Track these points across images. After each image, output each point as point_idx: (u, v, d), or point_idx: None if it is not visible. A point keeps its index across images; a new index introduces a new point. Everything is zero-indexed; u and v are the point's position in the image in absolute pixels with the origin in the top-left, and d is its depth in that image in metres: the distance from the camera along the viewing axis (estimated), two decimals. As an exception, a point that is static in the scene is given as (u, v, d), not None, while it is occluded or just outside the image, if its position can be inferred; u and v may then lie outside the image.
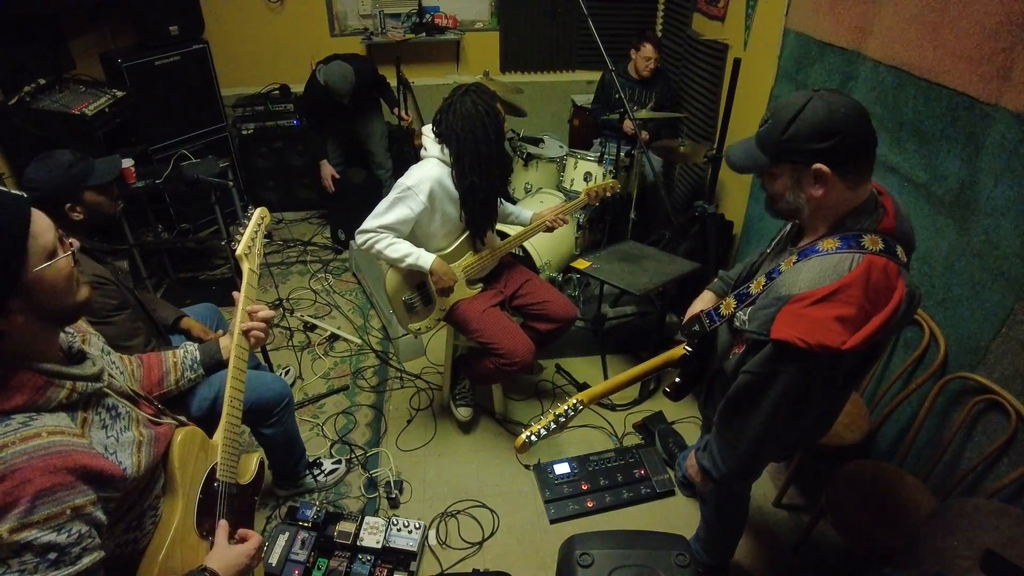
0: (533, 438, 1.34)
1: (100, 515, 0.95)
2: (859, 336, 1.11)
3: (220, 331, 2.18)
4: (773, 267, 1.29)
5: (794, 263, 1.21)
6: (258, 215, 1.49)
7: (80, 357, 1.06)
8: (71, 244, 0.99)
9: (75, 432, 0.95)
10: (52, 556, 0.88)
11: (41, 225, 0.92)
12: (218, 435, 1.28)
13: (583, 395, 1.38)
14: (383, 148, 3.87)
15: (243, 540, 1.21)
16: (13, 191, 0.94)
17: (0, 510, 0.84)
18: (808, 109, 1.11)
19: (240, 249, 1.42)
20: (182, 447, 1.17)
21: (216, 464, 1.25)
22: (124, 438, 1.05)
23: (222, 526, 1.19)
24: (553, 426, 1.35)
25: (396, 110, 3.84)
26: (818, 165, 1.12)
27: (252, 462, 1.39)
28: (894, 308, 1.12)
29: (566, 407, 1.35)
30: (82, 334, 1.13)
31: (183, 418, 1.27)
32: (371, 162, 3.89)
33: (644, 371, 1.52)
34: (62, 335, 1.05)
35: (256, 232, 1.47)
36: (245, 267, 1.41)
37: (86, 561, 0.91)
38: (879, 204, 1.20)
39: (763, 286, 1.28)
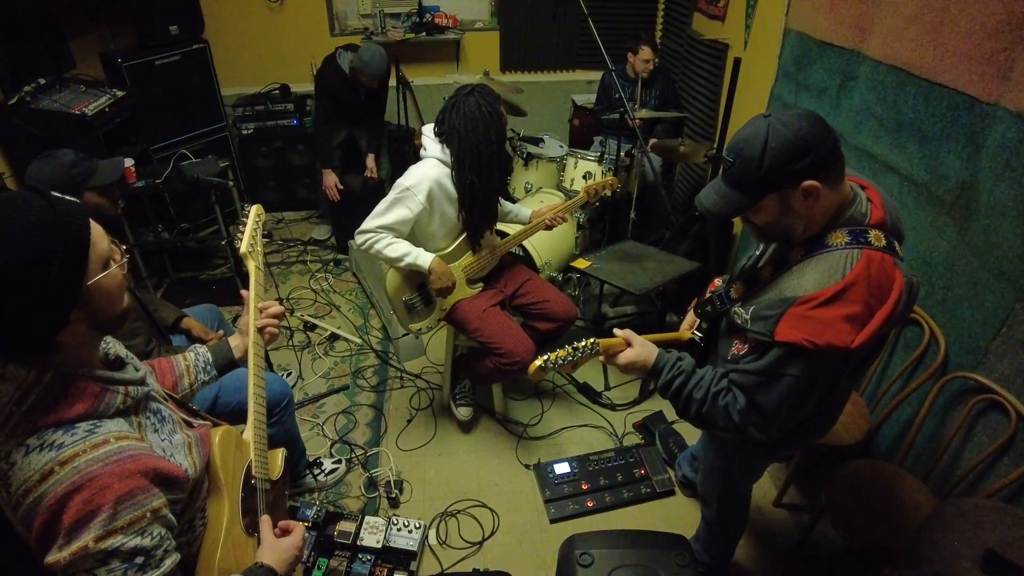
0: (549, 364, 1.33)
1: (172, 517, 0.96)
2: (866, 332, 1.11)
3: (221, 331, 2.18)
4: (781, 257, 1.28)
5: (802, 256, 1.22)
6: (255, 212, 1.49)
7: (119, 363, 1.05)
8: (124, 250, 1.00)
9: (136, 436, 0.95)
10: (139, 560, 0.88)
11: (97, 232, 0.93)
12: (248, 433, 1.28)
13: (601, 340, 1.37)
14: (383, 148, 3.86)
15: (285, 532, 1.21)
16: (68, 197, 0.93)
17: (82, 520, 0.84)
18: (772, 136, 1.11)
19: (243, 247, 1.41)
20: (221, 447, 1.17)
21: (251, 461, 1.25)
22: (175, 440, 1.06)
23: (265, 521, 1.19)
24: (569, 358, 1.34)
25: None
26: (807, 183, 1.12)
27: (278, 458, 1.40)
28: (895, 301, 1.13)
29: (584, 344, 1.35)
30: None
31: (213, 418, 1.27)
32: (367, 162, 3.86)
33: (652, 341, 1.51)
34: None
35: (256, 229, 1.47)
36: (251, 265, 1.41)
37: (169, 563, 0.92)
38: (862, 196, 1.21)
39: (771, 273, 1.28)
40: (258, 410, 1.30)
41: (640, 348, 1.35)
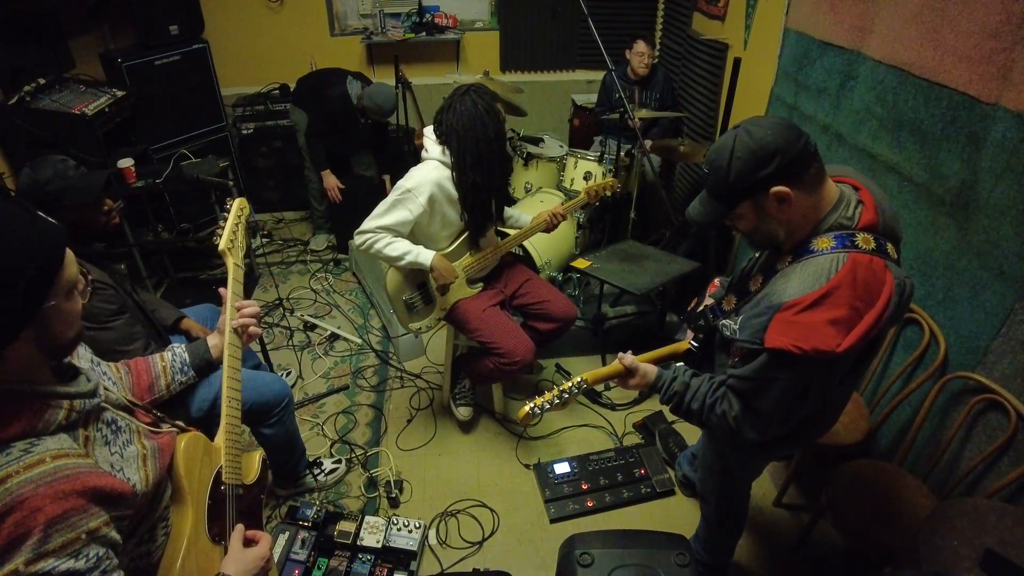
0: (536, 410, 1.39)
1: (115, 535, 0.93)
2: (853, 336, 1.12)
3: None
4: (769, 265, 1.30)
5: (789, 262, 1.23)
6: (236, 207, 1.45)
7: (72, 373, 1.03)
8: (90, 280, 0.98)
9: (79, 453, 0.93)
10: None
11: (70, 258, 0.93)
12: (219, 437, 1.26)
13: (587, 375, 1.43)
14: (368, 152, 3.85)
15: (253, 542, 1.20)
16: (50, 219, 0.93)
17: (13, 542, 0.83)
18: (738, 147, 1.16)
19: (223, 243, 1.38)
20: (186, 454, 1.15)
21: (221, 467, 1.23)
22: (128, 453, 1.04)
23: (237, 530, 1.18)
24: (556, 401, 1.39)
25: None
26: (775, 189, 1.15)
27: (255, 461, 1.37)
28: (884, 303, 1.14)
29: (570, 384, 1.41)
30: None
31: (182, 423, 1.25)
32: (355, 164, 3.84)
33: (649, 359, 1.53)
34: None
35: (237, 225, 1.43)
36: (229, 262, 1.38)
37: None
38: (851, 198, 1.21)
39: (760, 284, 1.30)
40: (231, 414, 1.28)
41: (640, 378, 1.44)
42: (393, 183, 3.72)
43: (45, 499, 0.84)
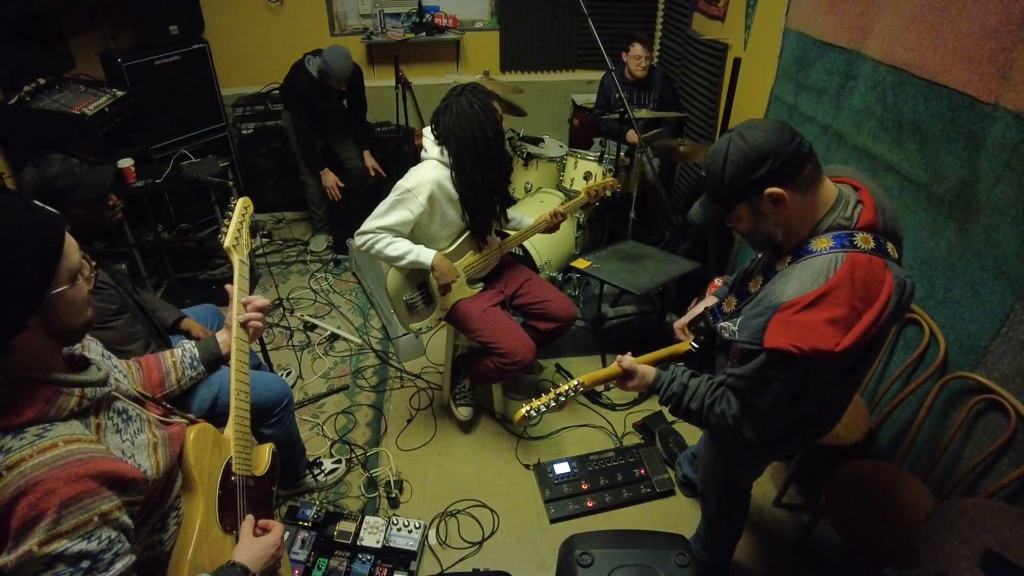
0: (533, 413, 1.40)
1: (127, 519, 0.95)
2: (852, 335, 1.12)
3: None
4: (769, 266, 1.31)
5: (788, 263, 1.24)
6: (241, 205, 1.48)
7: (83, 363, 1.05)
8: (94, 266, 0.99)
9: (91, 439, 0.95)
10: (85, 564, 0.88)
11: (70, 245, 0.94)
12: (229, 429, 1.28)
13: (584, 377, 1.44)
14: (351, 142, 3.80)
15: (265, 531, 1.21)
16: (48, 208, 0.94)
17: (27, 524, 0.84)
18: (731, 150, 1.18)
19: (228, 241, 1.41)
20: (196, 444, 1.17)
21: (231, 458, 1.25)
22: (139, 440, 1.05)
23: (247, 519, 1.19)
24: (553, 404, 1.40)
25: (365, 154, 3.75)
26: (769, 190, 1.16)
27: (265, 453, 1.39)
28: (884, 302, 1.14)
29: (567, 387, 1.42)
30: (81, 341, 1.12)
31: (192, 416, 1.26)
32: (345, 163, 3.82)
33: (648, 361, 1.54)
34: None
35: (241, 223, 1.46)
36: (235, 259, 1.40)
37: (119, 566, 0.92)
38: (850, 198, 1.22)
39: (760, 285, 1.30)
40: (240, 406, 1.30)
41: (639, 380, 1.45)
42: (374, 158, 3.72)
43: (58, 482, 0.86)
